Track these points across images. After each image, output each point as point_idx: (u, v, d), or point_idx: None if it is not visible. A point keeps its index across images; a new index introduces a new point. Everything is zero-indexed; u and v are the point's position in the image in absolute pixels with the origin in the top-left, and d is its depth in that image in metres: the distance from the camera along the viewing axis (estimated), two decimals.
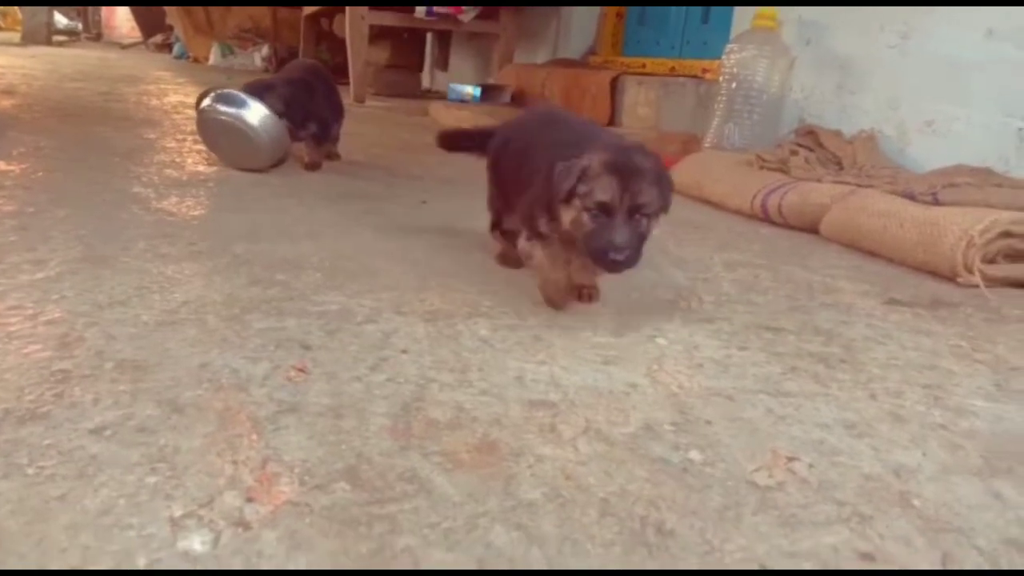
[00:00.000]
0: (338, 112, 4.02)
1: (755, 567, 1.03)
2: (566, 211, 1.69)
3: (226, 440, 1.22)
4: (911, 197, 2.87)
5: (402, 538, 1.02)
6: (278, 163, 3.60)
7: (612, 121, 5.39)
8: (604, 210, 1.62)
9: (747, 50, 4.28)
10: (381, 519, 1.05)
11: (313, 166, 3.73)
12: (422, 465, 1.20)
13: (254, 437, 1.23)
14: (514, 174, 2.02)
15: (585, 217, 1.65)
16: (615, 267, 1.65)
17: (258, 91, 3.51)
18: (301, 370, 1.48)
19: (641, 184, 1.62)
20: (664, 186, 1.67)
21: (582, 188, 1.63)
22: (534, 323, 1.86)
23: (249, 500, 1.07)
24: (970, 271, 2.42)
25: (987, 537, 1.12)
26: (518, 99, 6.91)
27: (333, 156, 4.04)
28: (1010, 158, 3.22)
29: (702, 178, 3.74)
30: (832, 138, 3.88)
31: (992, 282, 2.42)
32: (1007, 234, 2.49)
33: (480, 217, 2.99)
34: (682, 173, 3.75)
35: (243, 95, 3.44)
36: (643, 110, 5.14)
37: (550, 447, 1.29)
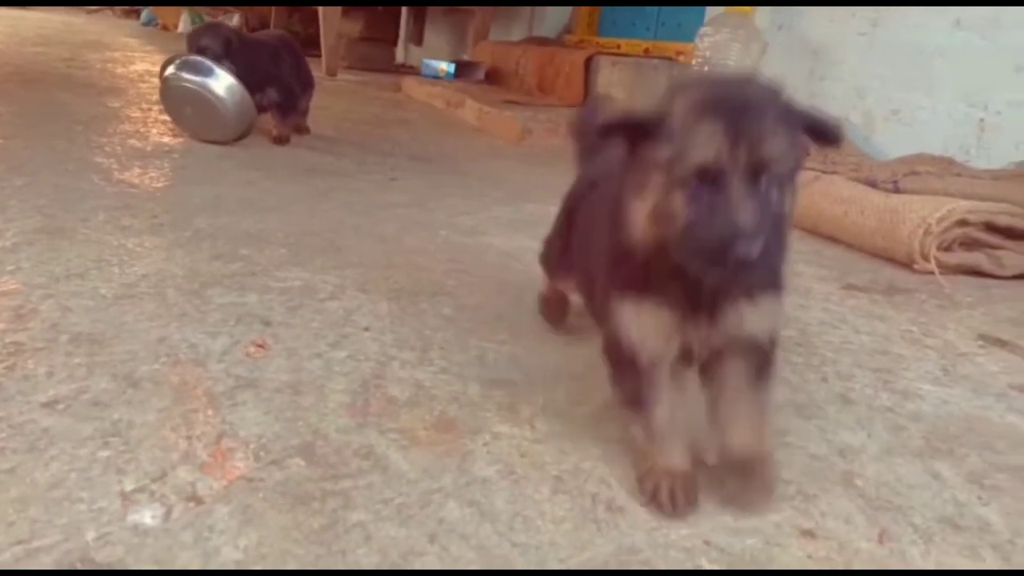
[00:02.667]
0: (307, 84, 3.97)
1: (701, 543, 1.06)
2: (640, 200, 1.02)
3: (181, 415, 1.22)
4: (873, 184, 2.92)
5: (355, 513, 1.03)
6: (244, 135, 3.55)
7: (585, 101, 5.38)
8: (709, 177, 0.95)
9: (720, 34, 4.29)
10: (334, 495, 1.06)
11: (281, 139, 3.68)
12: (379, 442, 1.21)
13: (210, 412, 1.23)
14: (587, 235, 1.36)
15: (679, 197, 0.97)
16: (744, 268, 0.96)
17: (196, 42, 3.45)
18: (260, 346, 1.48)
19: (763, 126, 0.96)
20: (801, 117, 1.01)
21: (663, 151, 0.97)
22: (499, 303, 1.87)
23: (202, 475, 1.07)
24: (926, 258, 2.48)
25: (923, 515, 1.16)
26: (492, 77, 6.86)
27: (302, 130, 3.99)
28: (971, 148, 3.29)
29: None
30: None
31: (947, 269, 2.48)
32: (963, 223, 2.55)
33: (451, 194, 2.99)
34: None
35: (209, 63, 3.37)
36: (616, 91, 5.14)
37: (507, 425, 1.31)
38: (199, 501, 1.02)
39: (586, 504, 1.12)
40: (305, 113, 4.03)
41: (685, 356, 1.14)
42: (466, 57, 7.71)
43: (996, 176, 2.93)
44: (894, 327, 1.97)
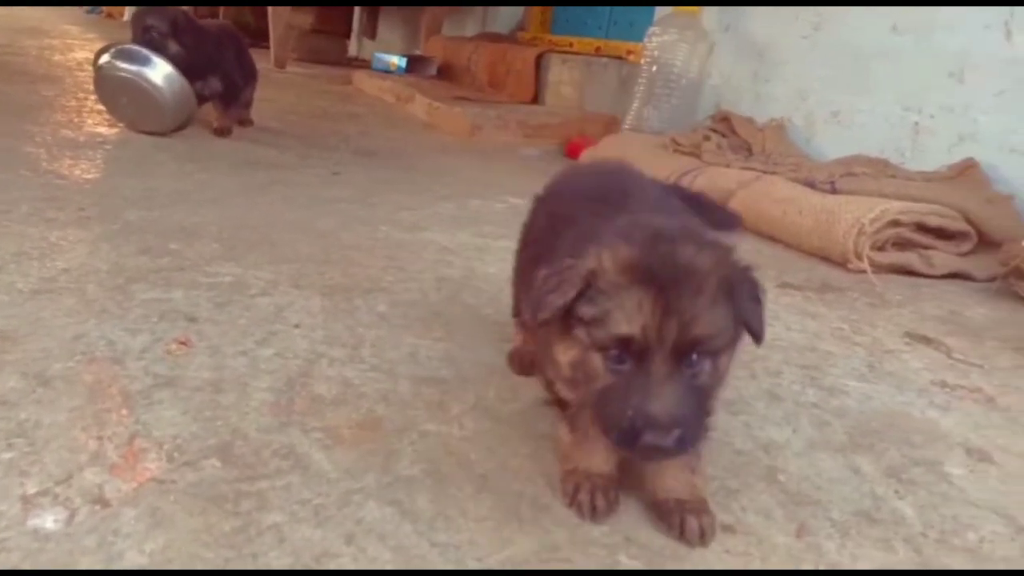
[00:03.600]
0: (250, 75, 3.88)
1: (621, 539, 1.06)
2: (563, 348, 0.98)
3: (93, 415, 1.17)
4: (812, 185, 2.98)
5: (270, 515, 1.01)
6: (183, 126, 3.46)
7: (536, 99, 5.39)
8: (630, 350, 0.90)
9: (668, 34, 4.33)
10: (250, 496, 1.04)
11: (223, 131, 3.60)
12: (301, 441, 1.18)
13: (124, 412, 1.19)
14: (534, 249, 1.29)
15: (597, 361, 0.93)
16: (654, 456, 0.96)
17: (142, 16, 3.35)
18: (183, 343, 1.44)
19: (697, 302, 0.89)
20: (743, 297, 0.94)
21: (587, 310, 0.92)
22: (436, 299, 1.85)
23: (111, 477, 1.04)
24: (860, 258, 2.54)
25: (841, 509, 1.19)
26: (444, 72, 6.82)
27: (245, 122, 3.91)
28: (906, 150, 3.38)
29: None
30: (744, 125, 3.98)
31: (880, 269, 2.54)
32: (896, 223, 2.61)
33: (396, 190, 2.96)
34: (599, 154, 3.79)
35: (146, 52, 3.28)
36: (567, 89, 5.16)
37: (435, 423, 1.29)
38: (105, 504, 0.98)
39: (510, 502, 1.11)
40: (248, 105, 3.95)
41: None
42: (418, 52, 7.65)
43: (929, 178, 3.02)
44: (825, 325, 2.01)
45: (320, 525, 1.00)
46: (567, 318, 0.94)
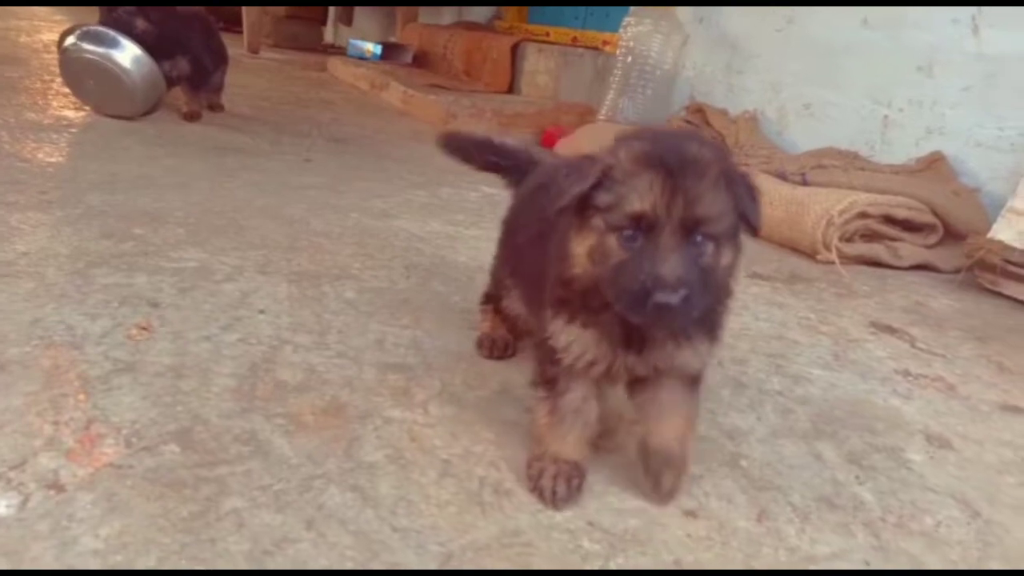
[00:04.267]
0: (220, 59, 3.82)
1: (584, 524, 1.07)
2: (580, 238, 1.05)
3: (50, 400, 1.15)
4: (783, 177, 3.00)
5: (229, 500, 0.99)
6: (151, 110, 3.39)
7: (512, 88, 5.37)
8: (642, 226, 0.98)
9: (643, 24, 4.33)
10: (209, 481, 1.02)
11: (192, 116, 3.54)
12: (263, 427, 1.17)
13: (81, 397, 1.17)
14: (532, 241, 1.30)
15: (612, 241, 1.00)
16: (664, 317, 0.99)
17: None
18: (145, 328, 1.42)
19: (700, 184, 0.97)
20: (740, 189, 1.02)
21: (604, 197, 1.00)
22: (404, 287, 1.84)
23: (67, 462, 1.02)
24: (828, 249, 2.57)
25: (802, 495, 1.20)
26: (420, 60, 6.77)
27: (215, 107, 3.85)
28: (875, 143, 3.42)
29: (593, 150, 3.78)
30: (718, 116, 4.00)
31: (848, 260, 2.57)
32: (864, 215, 2.65)
33: (367, 177, 2.94)
34: (575, 144, 3.79)
35: (114, 33, 3.21)
36: (542, 78, 5.14)
37: (400, 410, 1.28)
38: (60, 489, 0.97)
39: (473, 487, 1.11)
40: (219, 90, 3.89)
41: (610, 377, 1.14)
42: (394, 39, 7.58)
43: (897, 171, 3.06)
44: (792, 314, 2.03)
45: (280, 510, 0.99)
46: (583, 212, 1.03)
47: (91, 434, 1.08)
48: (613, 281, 1.01)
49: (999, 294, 2.45)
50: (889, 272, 2.60)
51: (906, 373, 1.72)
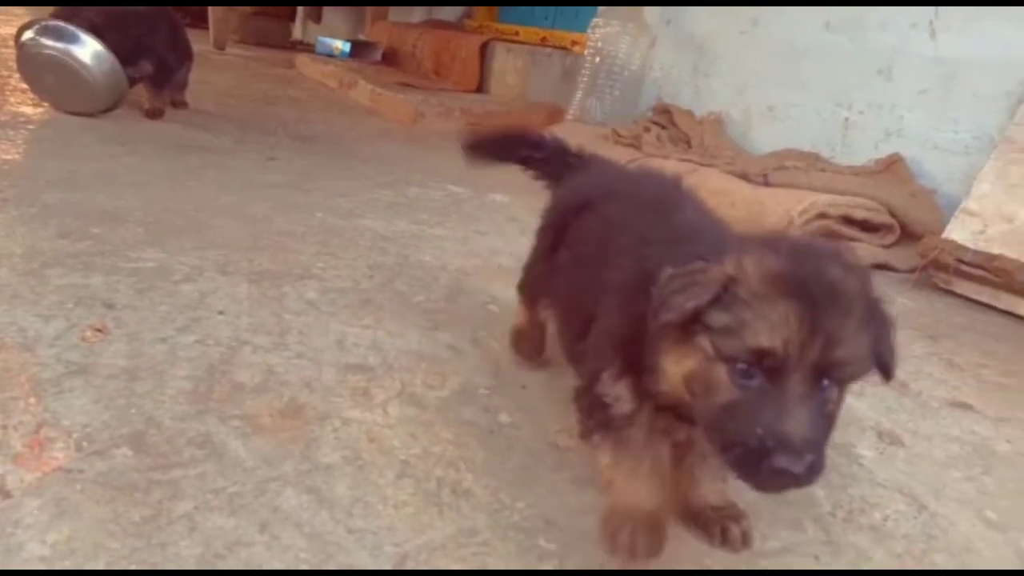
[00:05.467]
0: (184, 55, 3.76)
1: (542, 523, 1.08)
2: (678, 356, 0.88)
3: None
4: (745, 177, 3.04)
5: (181, 504, 0.99)
6: (113, 107, 3.34)
7: (481, 87, 5.37)
8: (765, 364, 0.81)
9: (611, 25, 4.36)
10: (161, 485, 1.01)
11: (154, 113, 3.49)
12: (218, 429, 1.16)
13: (31, 400, 1.15)
14: (580, 262, 1.21)
15: (722, 374, 0.83)
16: (781, 484, 0.81)
17: (66, 16, 3.20)
18: (99, 330, 1.40)
19: (845, 322, 0.81)
20: (881, 328, 0.87)
21: (720, 317, 0.83)
22: (367, 287, 1.84)
23: (14, 467, 1.00)
24: None
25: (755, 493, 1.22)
26: (389, 58, 6.74)
27: (179, 104, 3.80)
28: (836, 145, 3.48)
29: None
30: (684, 118, 4.05)
31: None
32: (823, 215, 2.70)
33: (333, 176, 2.92)
34: None
35: (74, 28, 3.14)
36: (511, 78, 5.15)
37: (359, 411, 1.28)
38: (7, 495, 0.95)
39: (431, 488, 1.11)
40: (183, 87, 3.84)
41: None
42: (363, 37, 7.54)
43: (856, 172, 3.12)
44: None
45: (234, 513, 0.99)
46: (688, 326, 0.85)
47: (40, 438, 1.07)
48: (719, 425, 0.82)
49: (952, 293, 2.51)
50: None
51: None
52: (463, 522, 1.05)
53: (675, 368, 0.88)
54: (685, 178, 1.36)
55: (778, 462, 0.76)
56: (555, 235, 1.35)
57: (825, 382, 0.81)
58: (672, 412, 0.94)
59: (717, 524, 1.07)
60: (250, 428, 1.18)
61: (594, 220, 1.23)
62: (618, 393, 0.96)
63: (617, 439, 0.99)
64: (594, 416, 1.01)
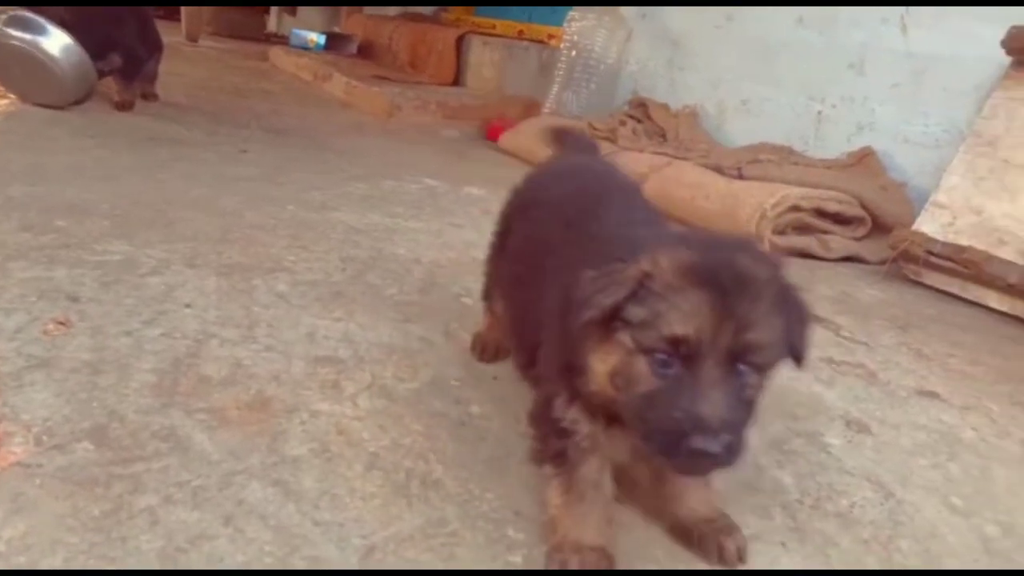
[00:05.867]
0: (154, 47, 3.70)
1: (511, 513, 1.07)
2: (603, 354, 0.90)
3: None
4: (719, 171, 3.06)
5: (143, 498, 0.97)
6: (82, 99, 3.28)
7: (457, 80, 5.35)
8: (681, 352, 0.84)
9: (587, 19, 4.36)
10: (123, 479, 1.00)
11: (124, 105, 3.43)
12: (183, 423, 1.15)
13: None
14: (528, 273, 1.19)
15: (642, 365, 0.86)
16: (700, 465, 0.87)
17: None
18: (62, 323, 1.37)
19: (755, 307, 0.84)
20: (793, 314, 0.90)
21: (636, 311, 0.86)
22: (339, 279, 1.82)
23: None
24: (762, 241, 2.63)
25: (724, 480, 1.22)
26: (364, 51, 6.69)
27: (149, 96, 3.74)
28: (809, 138, 3.51)
29: (535, 144, 3.79)
30: (660, 111, 4.06)
31: (780, 252, 2.64)
32: (796, 208, 2.71)
33: (306, 168, 2.89)
34: (518, 137, 3.79)
35: (42, 20, 3.08)
36: (487, 71, 5.14)
37: (328, 403, 1.27)
38: None
39: (400, 479, 1.11)
40: (153, 79, 3.78)
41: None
42: (338, 29, 7.47)
43: (829, 165, 3.15)
44: None
45: (197, 507, 0.98)
46: (609, 324, 0.88)
47: None
48: (640, 414, 0.86)
49: (922, 284, 2.54)
50: (819, 264, 2.67)
51: (830, 360, 1.77)
52: (432, 513, 1.05)
53: (601, 366, 0.90)
54: (616, 161, 1.38)
55: (695, 443, 0.79)
56: (499, 240, 1.38)
57: (741, 367, 0.84)
58: (617, 424, 0.95)
59: (712, 541, 1.06)
60: (216, 421, 1.16)
61: (527, 226, 1.25)
62: (573, 417, 0.97)
63: (569, 481, 1.00)
64: (549, 445, 1.01)
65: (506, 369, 1.49)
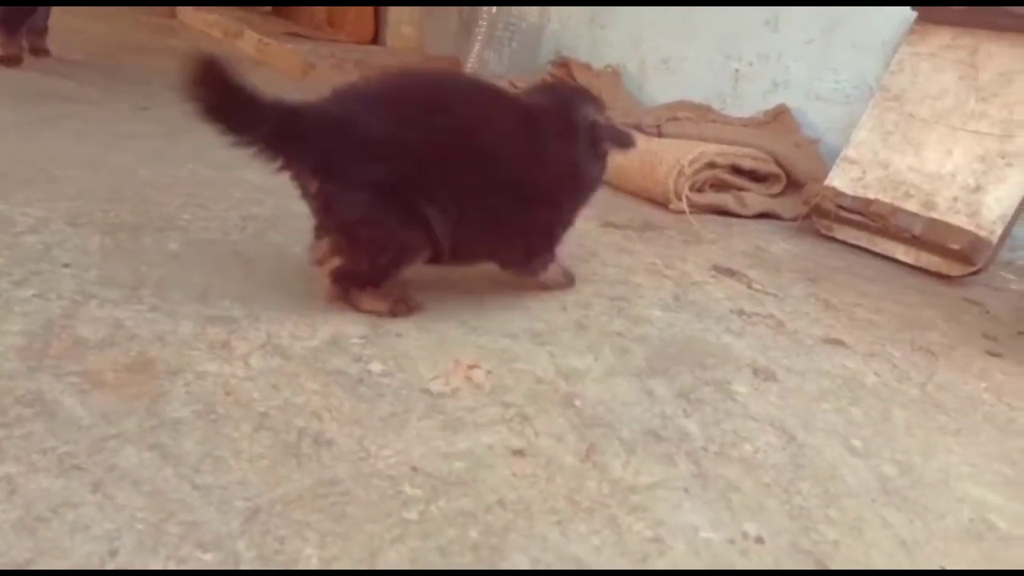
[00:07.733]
0: None
1: (407, 469, 1.03)
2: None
3: None
4: (639, 128, 3.04)
5: (2, 466, 0.89)
6: None
7: (376, 39, 5.18)
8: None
9: None
10: None
11: (9, 60, 3.18)
12: (52, 387, 1.06)
13: None
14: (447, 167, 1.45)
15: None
16: None
17: None
18: None
19: None
20: None
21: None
22: (238, 238, 1.73)
23: None
24: (679, 198, 2.64)
25: (631, 429, 1.22)
26: (281, 8, 6.41)
27: (40, 51, 3.48)
28: (727, 96, 3.53)
29: None
30: (582, 70, 4.01)
31: (697, 209, 2.65)
32: (712, 165, 2.73)
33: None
34: None
35: None
36: (407, 29, 4.99)
37: (216, 363, 1.20)
38: None
39: (291, 439, 1.05)
40: (43, 32, 3.52)
41: None
42: None
43: (746, 123, 3.17)
44: (640, 260, 2.07)
45: (63, 474, 0.90)
46: None
47: None
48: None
49: (833, 239, 2.60)
50: (735, 220, 2.70)
51: (740, 312, 1.79)
52: (323, 472, 1.00)
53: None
54: None
55: None
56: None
57: None
58: None
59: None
60: (89, 384, 1.08)
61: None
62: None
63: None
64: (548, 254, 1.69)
65: (412, 325, 1.44)
